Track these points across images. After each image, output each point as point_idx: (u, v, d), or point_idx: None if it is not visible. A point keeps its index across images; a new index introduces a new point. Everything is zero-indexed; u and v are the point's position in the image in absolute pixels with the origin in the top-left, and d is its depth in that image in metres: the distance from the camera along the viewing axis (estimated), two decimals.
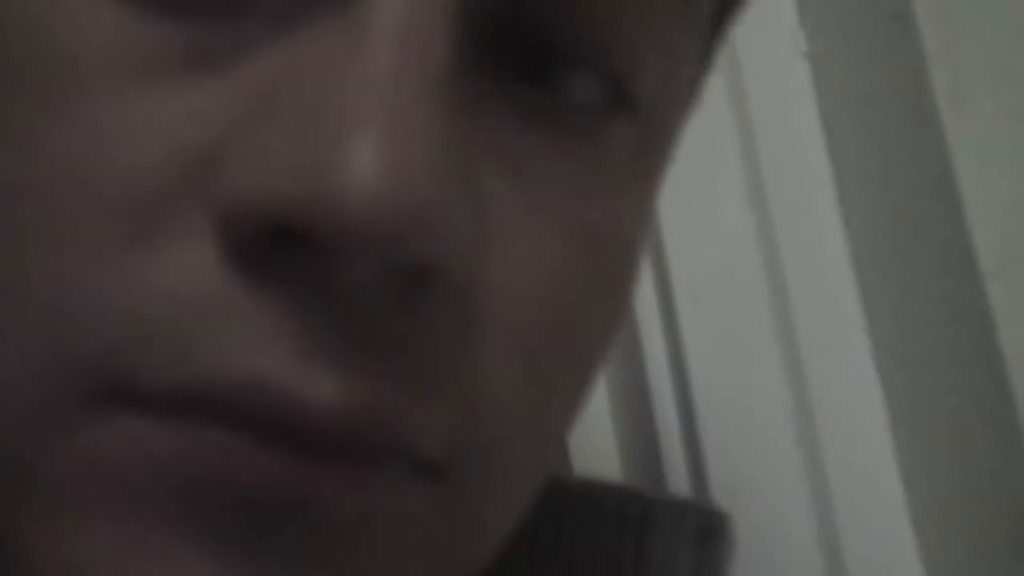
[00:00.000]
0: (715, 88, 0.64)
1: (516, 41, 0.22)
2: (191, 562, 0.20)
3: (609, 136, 0.24)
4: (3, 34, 0.21)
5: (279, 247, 0.19)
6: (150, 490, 0.20)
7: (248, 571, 0.20)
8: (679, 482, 0.61)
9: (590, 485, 0.29)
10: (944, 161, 0.57)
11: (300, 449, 0.20)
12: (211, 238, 0.20)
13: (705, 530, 0.37)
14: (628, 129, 0.24)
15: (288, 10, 0.21)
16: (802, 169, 0.65)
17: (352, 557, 0.21)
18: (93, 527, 0.20)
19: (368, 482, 0.21)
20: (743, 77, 0.65)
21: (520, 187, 0.22)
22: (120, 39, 0.20)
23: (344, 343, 0.20)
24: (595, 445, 0.61)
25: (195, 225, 0.20)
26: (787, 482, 0.61)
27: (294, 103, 0.20)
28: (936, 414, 0.60)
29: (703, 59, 0.28)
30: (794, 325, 0.62)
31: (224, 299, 0.20)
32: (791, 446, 0.61)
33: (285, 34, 0.20)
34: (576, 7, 0.22)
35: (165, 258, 0.20)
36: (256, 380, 0.19)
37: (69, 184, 0.20)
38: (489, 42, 0.22)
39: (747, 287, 0.64)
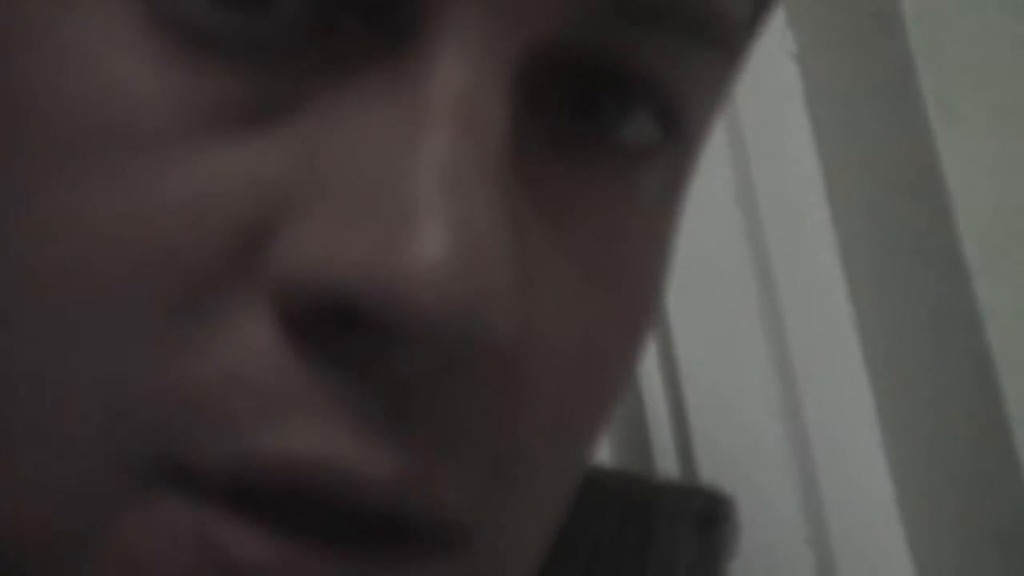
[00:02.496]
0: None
1: (568, 84, 0.22)
2: None
3: (653, 169, 0.24)
4: (57, 98, 0.20)
5: (336, 325, 0.19)
6: None
7: None
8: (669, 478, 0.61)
9: (592, 471, 0.29)
10: (931, 160, 0.58)
11: (344, 540, 0.20)
12: (265, 313, 0.20)
13: (708, 515, 0.36)
14: (672, 158, 0.24)
15: (340, 62, 0.20)
16: (790, 168, 0.65)
17: None
18: None
19: (406, 564, 0.21)
20: None
21: (561, 232, 0.22)
22: (175, 95, 0.20)
23: (391, 419, 0.20)
24: None
25: (248, 297, 0.20)
26: (776, 477, 0.61)
27: (352, 179, 0.19)
28: (924, 408, 0.60)
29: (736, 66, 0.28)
30: (783, 321, 0.63)
31: (279, 377, 0.19)
32: (780, 441, 0.62)
33: (338, 89, 0.20)
34: (629, 53, 0.22)
35: (219, 334, 0.20)
36: (313, 459, 0.19)
37: (119, 257, 0.19)
38: (541, 89, 0.22)
39: (736, 285, 0.64)
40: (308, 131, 0.20)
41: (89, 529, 0.20)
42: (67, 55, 0.20)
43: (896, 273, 0.61)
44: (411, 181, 0.19)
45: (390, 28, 0.20)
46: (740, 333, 0.63)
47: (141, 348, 0.20)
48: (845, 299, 0.63)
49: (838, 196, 0.64)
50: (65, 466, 0.20)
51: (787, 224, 0.64)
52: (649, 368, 0.63)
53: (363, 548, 0.20)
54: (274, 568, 0.20)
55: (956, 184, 0.57)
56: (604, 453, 0.62)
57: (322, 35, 0.20)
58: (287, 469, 0.19)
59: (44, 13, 0.21)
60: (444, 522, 0.21)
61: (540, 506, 0.23)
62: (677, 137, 0.24)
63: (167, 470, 0.20)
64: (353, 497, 0.20)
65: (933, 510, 0.59)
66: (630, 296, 0.24)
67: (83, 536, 0.20)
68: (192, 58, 0.20)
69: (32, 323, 0.20)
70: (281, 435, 0.19)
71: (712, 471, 0.60)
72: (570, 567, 0.34)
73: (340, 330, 0.19)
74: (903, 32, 0.59)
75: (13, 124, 0.21)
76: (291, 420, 0.19)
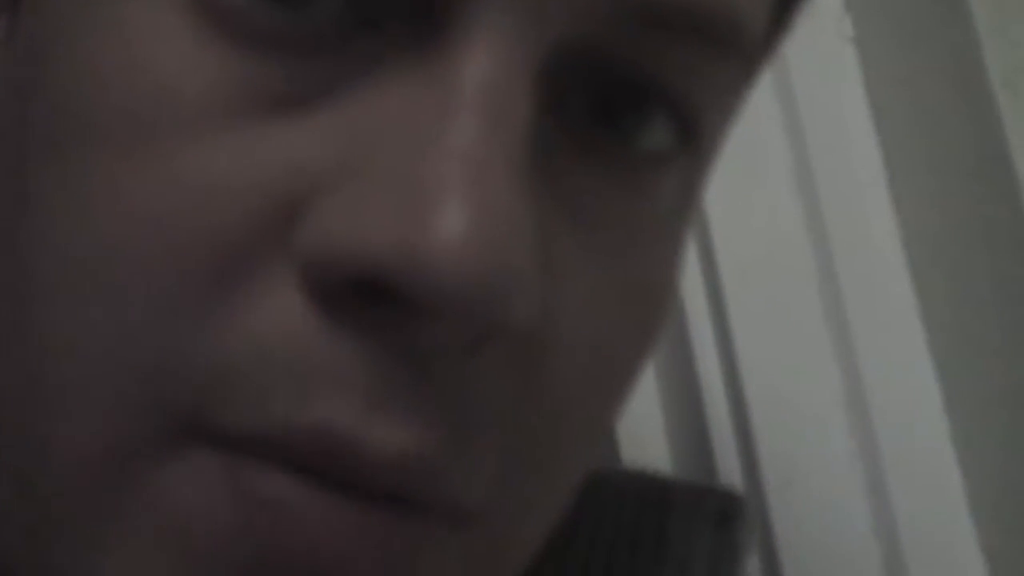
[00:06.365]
0: (761, 75, 0.64)
1: (589, 89, 0.23)
2: None
3: (669, 175, 0.25)
4: (97, 81, 0.21)
5: (361, 297, 0.20)
6: (213, 531, 0.21)
7: None
8: (731, 473, 0.61)
9: (607, 471, 0.30)
10: (998, 142, 0.57)
11: (355, 498, 0.21)
12: (294, 284, 0.21)
13: (723, 513, 0.37)
14: (686, 164, 0.25)
15: (373, 54, 0.21)
16: (851, 154, 0.64)
17: None
18: (152, 562, 0.21)
19: (411, 531, 0.22)
20: (789, 63, 0.65)
21: (580, 232, 0.23)
22: (213, 78, 0.21)
23: (411, 393, 0.21)
24: (645, 438, 0.61)
25: (279, 271, 0.21)
26: (841, 470, 0.60)
27: (382, 161, 0.20)
28: (992, 398, 0.59)
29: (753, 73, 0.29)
30: (845, 311, 0.62)
31: (304, 345, 0.21)
32: (844, 434, 0.61)
33: (370, 79, 0.21)
34: (648, 59, 0.23)
35: (250, 304, 0.21)
36: (325, 428, 0.20)
37: (157, 231, 0.21)
38: (563, 92, 0.23)
39: (796, 273, 0.63)
40: (341, 117, 0.21)
41: (123, 481, 0.21)
42: (114, 31, 0.22)
43: (962, 259, 0.60)
44: (437, 164, 0.20)
45: (422, 23, 0.21)
46: (801, 324, 0.62)
47: (176, 318, 0.21)
48: (909, 287, 0.62)
49: (900, 181, 0.63)
50: (99, 424, 0.21)
51: (848, 211, 0.63)
52: (709, 365, 0.62)
53: (371, 507, 0.21)
54: (294, 506, 0.21)
55: None
56: (665, 456, 0.61)
57: (357, 29, 0.22)
58: (304, 435, 0.20)
59: None
60: (451, 501, 0.22)
61: (547, 492, 0.25)
62: (693, 145, 0.25)
63: (198, 429, 0.21)
64: (356, 468, 0.21)
65: (1003, 500, 0.58)
66: (645, 297, 0.25)
67: (116, 489, 0.21)
68: (231, 43, 0.21)
69: (72, 293, 0.21)
70: (303, 403, 0.20)
71: (776, 466, 0.60)
72: (587, 565, 0.35)
73: (365, 302, 0.20)
74: (967, 10, 0.58)
75: (57, 101, 0.22)
76: (313, 389, 0.20)
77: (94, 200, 0.21)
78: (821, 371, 0.62)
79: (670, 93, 0.24)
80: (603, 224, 0.24)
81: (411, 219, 0.20)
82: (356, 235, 0.20)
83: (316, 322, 0.20)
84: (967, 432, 0.60)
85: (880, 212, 0.63)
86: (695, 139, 0.25)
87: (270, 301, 0.21)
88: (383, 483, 0.21)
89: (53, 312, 0.21)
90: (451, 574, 0.23)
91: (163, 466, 0.21)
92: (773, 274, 0.63)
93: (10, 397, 0.22)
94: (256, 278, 0.21)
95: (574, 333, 0.23)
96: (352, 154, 0.21)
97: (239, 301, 0.21)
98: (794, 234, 0.64)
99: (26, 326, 0.22)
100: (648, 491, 0.37)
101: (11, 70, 0.24)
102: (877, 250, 0.63)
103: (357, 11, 0.21)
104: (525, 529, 0.24)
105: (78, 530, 0.21)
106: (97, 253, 0.21)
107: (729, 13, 0.23)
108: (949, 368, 0.61)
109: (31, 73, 0.23)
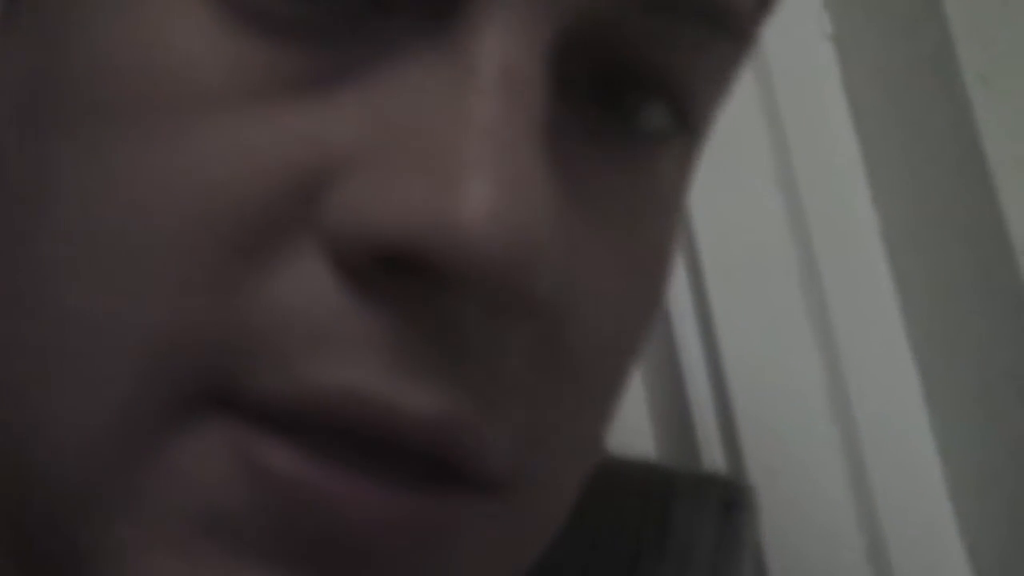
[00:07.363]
0: (744, 67, 0.64)
1: (591, 73, 0.24)
2: None
3: (667, 156, 0.26)
4: (114, 64, 0.22)
5: (387, 270, 0.21)
6: (230, 508, 0.21)
7: None
8: (714, 463, 0.61)
9: (613, 460, 0.30)
10: (973, 137, 0.57)
11: (386, 471, 0.21)
12: (319, 257, 0.21)
13: (728, 503, 0.37)
14: (682, 145, 0.26)
15: (388, 38, 0.22)
16: (830, 150, 0.65)
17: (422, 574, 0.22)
18: (169, 544, 0.21)
19: (440, 507, 0.22)
20: (769, 60, 0.65)
21: (589, 210, 0.24)
22: (234, 62, 0.21)
23: (437, 357, 0.21)
24: (630, 428, 0.61)
25: (304, 244, 0.21)
26: (824, 460, 0.61)
27: (405, 140, 0.21)
28: (971, 388, 0.59)
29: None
30: (826, 303, 0.62)
31: (331, 315, 0.21)
32: (827, 423, 0.61)
33: (387, 62, 0.22)
34: (649, 43, 0.24)
35: (274, 275, 0.21)
36: (354, 391, 0.21)
37: (180, 205, 0.21)
38: (569, 76, 0.23)
39: (778, 267, 0.64)
40: (360, 98, 0.22)
41: (134, 456, 0.21)
42: (131, 15, 0.22)
43: (940, 252, 0.61)
44: (462, 142, 0.20)
45: (437, 6, 0.22)
46: (783, 317, 0.63)
47: (199, 289, 0.21)
48: (888, 280, 0.63)
49: (879, 176, 0.64)
50: (114, 396, 0.21)
51: (828, 206, 0.64)
52: (693, 357, 0.63)
53: (402, 483, 0.21)
54: (310, 485, 0.21)
55: (999, 161, 0.57)
56: (649, 446, 0.61)
57: (372, 12, 0.22)
58: (333, 399, 0.21)
59: None
60: (484, 468, 0.22)
61: (569, 463, 0.25)
62: (688, 127, 0.26)
63: (216, 399, 0.21)
64: (394, 432, 0.21)
65: (983, 489, 0.59)
66: (650, 268, 0.26)
67: (127, 465, 0.21)
68: (247, 30, 0.21)
69: (91, 268, 0.21)
70: (330, 367, 0.21)
71: (760, 456, 0.60)
72: (592, 552, 0.35)
73: (391, 274, 0.21)
74: (942, 8, 0.58)
75: (73, 83, 0.22)
76: (340, 354, 0.21)
77: (116, 178, 0.21)
78: (804, 363, 0.62)
79: (668, 77, 0.25)
80: (608, 202, 0.24)
81: (441, 194, 0.20)
82: (381, 210, 0.20)
83: (341, 292, 0.21)
84: (946, 422, 0.60)
85: (859, 205, 0.64)
86: (690, 121, 0.26)
87: (294, 273, 0.21)
88: (412, 447, 0.21)
89: (70, 287, 0.21)
90: (479, 550, 0.23)
91: (176, 439, 0.21)
92: (755, 268, 0.63)
93: (9, 380, 0.22)
94: (280, 251, 0.21)
95: (588, 304, 0.24)
96: (374, 133, 0.21)
97: (262, 273, 0.21)
98: (775, 227, 0.64)
99: (37, 303, 0.22)
100: (652, 480, 0.37)
101: (12, 56, 0.24)
102: (857, 242, 0.63)
103: None
104: (550, 502, 0.25)
105: (91, 508, 0.21)
106: (119, 228, 0.21)
107: None
108: (929, 359, 0.61)
109: (41, 58, 0.23)
